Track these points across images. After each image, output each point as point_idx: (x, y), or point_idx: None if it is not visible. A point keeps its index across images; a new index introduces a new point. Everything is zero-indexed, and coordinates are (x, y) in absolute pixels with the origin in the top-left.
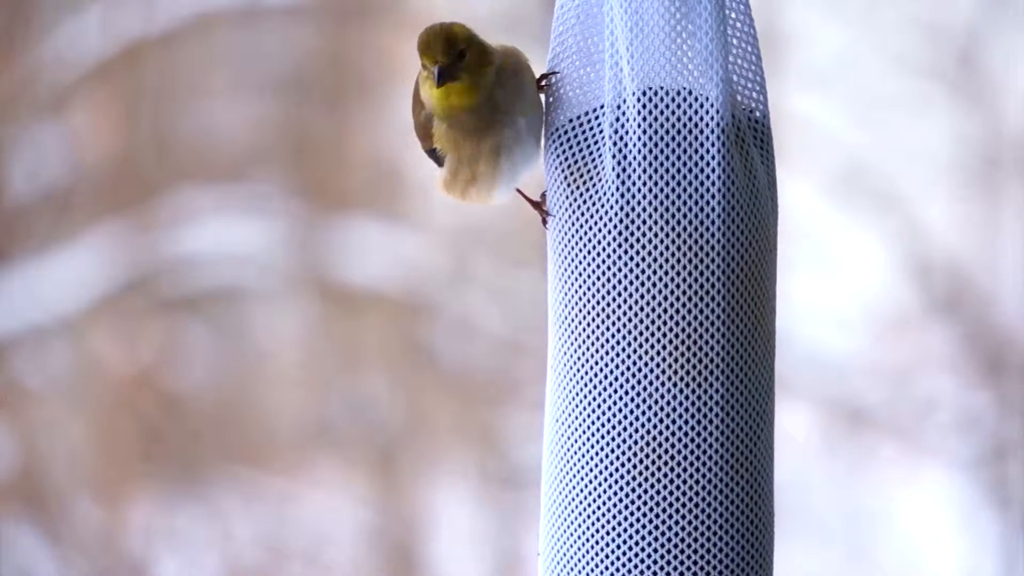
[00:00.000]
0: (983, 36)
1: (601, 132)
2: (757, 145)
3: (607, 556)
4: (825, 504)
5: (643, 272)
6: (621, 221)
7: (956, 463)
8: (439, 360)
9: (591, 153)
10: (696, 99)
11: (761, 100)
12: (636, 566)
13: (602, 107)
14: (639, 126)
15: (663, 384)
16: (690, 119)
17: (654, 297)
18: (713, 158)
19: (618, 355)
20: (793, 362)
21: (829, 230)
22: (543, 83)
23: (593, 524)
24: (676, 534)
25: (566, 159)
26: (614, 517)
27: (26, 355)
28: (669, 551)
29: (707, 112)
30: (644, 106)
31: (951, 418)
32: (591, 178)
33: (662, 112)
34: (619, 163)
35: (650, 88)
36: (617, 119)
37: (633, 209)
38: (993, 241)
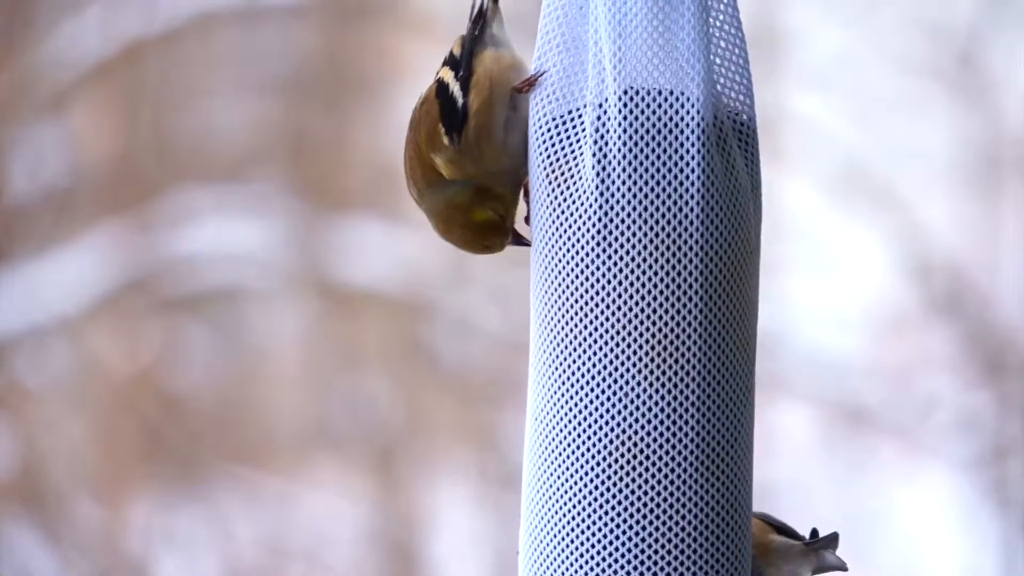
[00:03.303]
0: (983, 36)
1: (583, 131)
2: (741, 148)
3: (583, 554)
4: (825, 504)
5: (621, 271)
6: (600, 220)
7: (956, 463)
8: (439, 360)
9: (572, 152)
10: (677, 99)
11: (747, 103)
12: (611, 565)
13: (585, 106)
14: (620, 125)
15: (639, 383)
16: (671, 119)
17: (631, 296)
18: (693, 158)
19: (595, 353)
20: (793, 362)
21: (829, 230)
22: (524, 88)
23: (570, 523)
24: (650, 534)
25: (548, 157)
26: (590, 516)
27: (26, 355)
28: (643, 551)
29: (687, 112)
30: (625, 105)
31: (951, 418)
32: (572, 176)
33: (643, 111)
34: (599, 161)
35: (631, 87)
36: (599, 118)
37: (612, 208)
38: (993, 241)
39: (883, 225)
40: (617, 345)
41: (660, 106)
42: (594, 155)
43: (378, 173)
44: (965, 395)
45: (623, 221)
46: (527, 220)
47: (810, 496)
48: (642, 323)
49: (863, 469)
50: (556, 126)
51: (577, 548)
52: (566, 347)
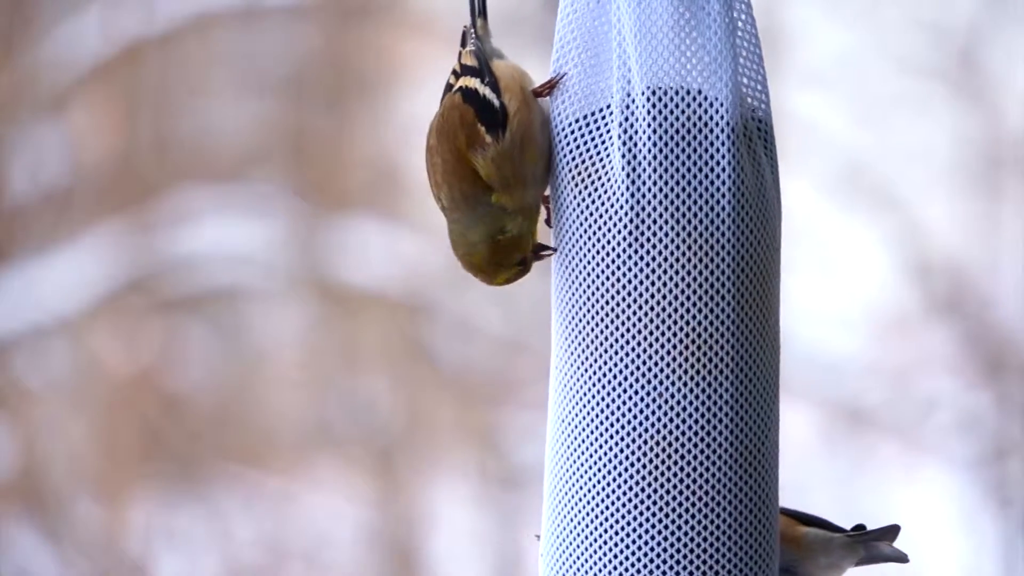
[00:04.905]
0: (984, 36)
1: (609, 131)
2: (762, 145)
3: (615, 556)
4: (825, 504)
5: (653, 271)
6: (631, 220)
7: (956, 463)
8: (439, 360)
9: (599, 152)
10: (706, 98)
11: (764, 100)
12: (645, 565)
13: (609, 107)
14: (649, 125)
15: (673, 383)
16: (700, 118)
17: (664, 296)
18: (724, 157)
19: (628, 354)
20: (793, 362)
21: (829, 230)
22: (544, 91)
23: (601, 524)
24: (686, 533)
25: (574, 158)
26: (623, 516)
27: (26, 355)
28: (679, 550)
29: (716, 111)
30: (654, 105)
31: (951, 418)
32: (600, 177)
33: (672, 111)
34: (629, 162)
35: (659, 87)
36: (626, 118)
37: (643, 208)
38: (993, 241)
39: (883, 225)
40: (651, 345)
41: (689, 105)
42: (623, 156)
43: (378, 173)
44: (965, 395)
45: (655, 221)
46: (548, 223)
47: (810, 496)
48: (675, 322)
49: (863, 469)
50: (581, 127)
51: (612, 548)
52: (597, 348)
